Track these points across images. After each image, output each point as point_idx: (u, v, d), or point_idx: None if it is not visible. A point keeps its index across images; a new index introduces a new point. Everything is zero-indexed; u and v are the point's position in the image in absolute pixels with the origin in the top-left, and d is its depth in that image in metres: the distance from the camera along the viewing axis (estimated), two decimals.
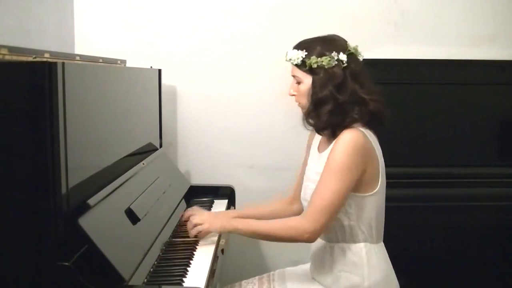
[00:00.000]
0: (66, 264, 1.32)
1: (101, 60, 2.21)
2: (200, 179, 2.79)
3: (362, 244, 1.73)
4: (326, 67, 1.68)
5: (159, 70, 2.55)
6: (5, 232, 1.34)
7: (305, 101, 1.74)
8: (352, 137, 1.64)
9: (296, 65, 1.73)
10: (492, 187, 2.48)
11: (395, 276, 1.82)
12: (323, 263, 1.79)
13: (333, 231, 1.74)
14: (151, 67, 2.53)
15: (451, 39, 2.80)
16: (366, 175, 1.67)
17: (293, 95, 1.78)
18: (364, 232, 1.72)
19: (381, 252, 1.78)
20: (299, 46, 1.74)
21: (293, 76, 1.77)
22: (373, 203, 1.71)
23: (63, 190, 1.34)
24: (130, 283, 1.43)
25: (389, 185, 2.40)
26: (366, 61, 2.51)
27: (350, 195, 1.67)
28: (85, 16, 2.73)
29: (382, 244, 1.81)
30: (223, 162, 2.84)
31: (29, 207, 1.33)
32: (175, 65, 2.78)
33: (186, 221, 1.96)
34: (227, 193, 2.50)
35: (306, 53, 1.70)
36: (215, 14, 2.78)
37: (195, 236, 1.87)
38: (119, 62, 2.44)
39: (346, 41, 1.76)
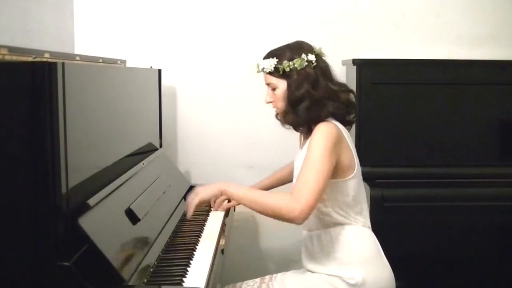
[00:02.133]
0: (66, 264, 1.32)
1: (101, 60, 2.22)
2: (200, 179, 2.79)
3: (345, 226, 1.81)
4: (298, 68, 1.80)
5: (159, 70, 2.55)
6: (5, 232, 1.34)
7: (282, 104, 1.85)
8: (326, 127, 1.74)
9: (270, 72, 1.84)
10: (492, 187, 2.48)
11: (386, 260, 1.86)
12: (313, 251, 1.86)
13: (313, 220, 1.83)
14: (151, 67, 2.53)
15: (451, 39, 2.80)
16: (341, 162, 1.77)
17: (270, 102, 1.90)
18: (345, 216, 1.80)
19: (368, 235, 1.85)
20: (269, 55, 1.86)
21: (268, 84, 1.88)
22: (349, 188, 1.79)
23: (63, 190, 1.34)
24: (130, 283, 1.43)
25: (389, 185, 2.43)
26: (366, 61, 2.54)
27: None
28: (85, 16, 2.73)
29: (370, 231, 1.88)
30: (223, 162, 2.84)
31: (29, 207, 1.33)
32: (175, 65, 2.79)
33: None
34: None
35: (277, 60, 1.82)
36: (215, 14, 2.78)
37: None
38: (119, 62, 2.44)
39: (310, 45, 1.87)
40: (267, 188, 2.25)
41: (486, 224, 2.52)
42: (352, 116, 1.86)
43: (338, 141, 1.74)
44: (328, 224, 1.82)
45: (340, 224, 1.81)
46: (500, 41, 2.80)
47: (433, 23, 2.80)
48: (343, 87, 1.84)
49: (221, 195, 1.90)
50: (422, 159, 2.53)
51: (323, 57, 1.86)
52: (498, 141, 2.55)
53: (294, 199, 1.65)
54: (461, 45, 2.79)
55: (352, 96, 1.86)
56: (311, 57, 1.80)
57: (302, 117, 1.79)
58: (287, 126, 1.90)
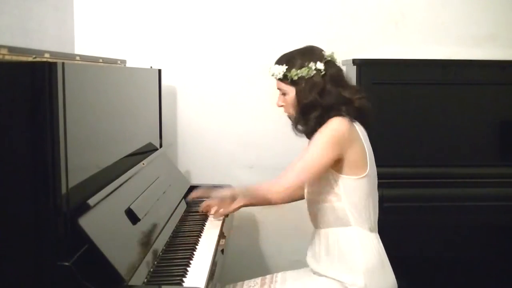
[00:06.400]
0: (66, 264, 1.32)
1: (101, 60, 2.22)
2: (200, 179, 2.79)
3: (354, 228, 1.80)
4: (306, 77, 1.80)
5: (159, 70, 2.55)
6: (5, 232, 1.34)
7: (293, 110, 1.88)
8: (335, 123, 1.77)
9: (280, 79, 1.86)
10: (492, 187, 2.48)
11: (391, 268, 1.85)
12: (319, 250, 1.85)
13: (325, 215, 1.83)
14: (151, 67, 2.53)
15: (451, 39, 2.80)
16: (351, 157, 1.78)
17: (282, 105, 1.92)
18: (355, 216, 1.79)
19: (376, 241, 1.84)
20: (280, 61, 1.88)
21: (279, 89, 1.90)
22: (361, 187, 1.80)
23: (63, 190, 1.35)
24: (130, 283, 1.44)
25: (389, 185, 2.43)
26: (366, 61, 2.54)
27: (338, 176, 1.78)
28: (85, 16, 2.73)
29: (377, 235, 1.86)
30: (223, 162, 2.84)
31: (29, 207, 1.33)
32: (175, 65, 2.79)
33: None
34: None
35: (287, 67, 1.84)
36: (215, 14, 2.78)
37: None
38: (119, 62, 2.44)
39: (322, 50, 1.88)
40: None
41: (486, 224, 2.52)
42: (366, 119, 1.87)
43: (346, 138, 1.75)
44: (337, 222, 1.80)
45: (348, 224, 1.79)
46: (500, 41, 2.80)
47: (433, 23, 2.80)
48: (357, 94, 1.83)
49: (233, 196, 2.00)
50: (422, 159, 2.53)
51: (335, 62, 1.86)
52: (498, 141, 2.55)
53: (277, 182, 1.78)
54: (461, 45, 2.79)
55: (366, 101, 1.85)
56: (320, 66, 1.81)
57: (312, 125, 1.81)
58: (299, 134, 1.90)
